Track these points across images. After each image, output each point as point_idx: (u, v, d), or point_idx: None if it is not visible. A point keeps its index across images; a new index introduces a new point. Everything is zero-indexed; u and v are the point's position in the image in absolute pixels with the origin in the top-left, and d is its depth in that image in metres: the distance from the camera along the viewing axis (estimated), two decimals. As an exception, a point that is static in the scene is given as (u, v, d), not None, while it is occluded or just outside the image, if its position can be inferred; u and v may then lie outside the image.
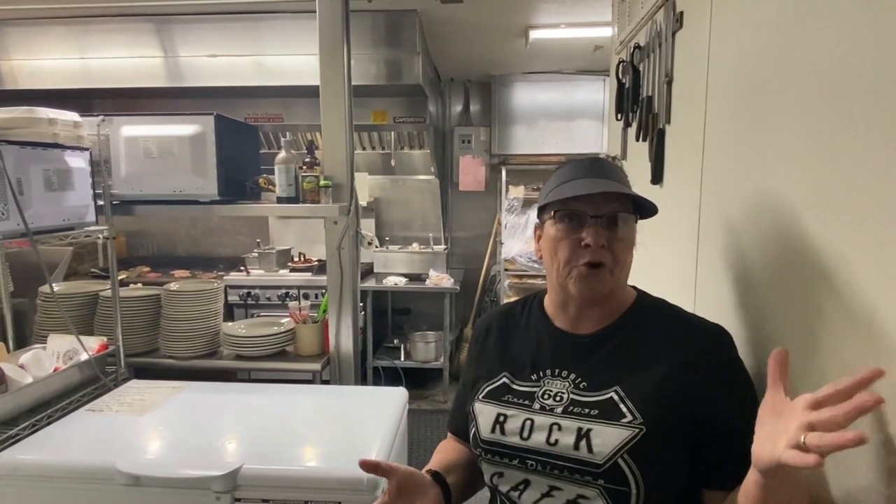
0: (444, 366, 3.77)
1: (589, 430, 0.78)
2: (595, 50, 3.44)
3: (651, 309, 0.91)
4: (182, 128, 1.88)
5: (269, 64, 2.95)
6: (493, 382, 0.92)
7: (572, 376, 0.86)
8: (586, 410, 0.81)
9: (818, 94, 0.72)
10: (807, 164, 0.75)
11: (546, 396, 0.85)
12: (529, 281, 3.84)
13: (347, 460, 1.30)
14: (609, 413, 0.79)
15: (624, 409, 0.78)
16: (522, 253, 3.72)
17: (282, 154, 1.96)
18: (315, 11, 1.96)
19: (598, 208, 0.83)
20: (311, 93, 2.08)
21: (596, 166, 0.88)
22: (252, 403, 1.65)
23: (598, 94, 4.01)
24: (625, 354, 0.85)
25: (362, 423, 1.51)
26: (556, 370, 0.88)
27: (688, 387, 0.78)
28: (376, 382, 3.74)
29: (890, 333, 0.59)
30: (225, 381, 1.85)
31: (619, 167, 0.93)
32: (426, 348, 3.80)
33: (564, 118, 4.05)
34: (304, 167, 1.98)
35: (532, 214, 3.87)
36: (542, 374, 0.88)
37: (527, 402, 0.86)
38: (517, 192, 3.82)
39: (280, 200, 1.97)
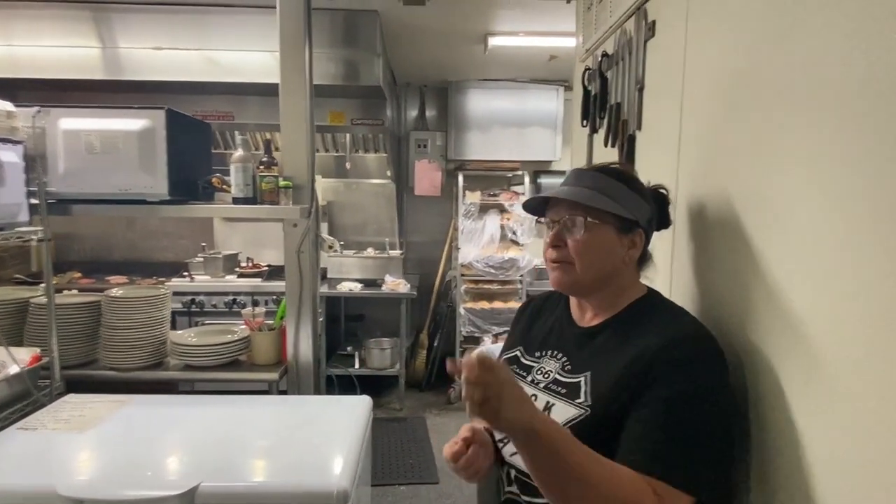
0: (399, 373, 3.71)
1: (552, 405, 0.92)
2: (550, 59, 3.51)
3: (649, 307, 0.96)
4: (129, 122, 1.76)
5: (219, 59, 2.82)
6: (509, 353, 1.09)
7: (564, 359, 0.98)
8: (559, 389, 0.94)
9: (795, 104, 0.76)
10: (780, 175, 0.80)
11: (539, 372, 1.00)
12: (485, 286, 3.85)
13: (315, 474, 1.24)
14: (572, 394, 0.91)
15: (582, 392, 0.90)
16: (479, 258, 3.72)
17: (238, 152, 1.86)
18: (270, 6, 1.88)
19: (559, 214, 0.97)
20: (263, 91, 2.01)
21: (573, 176, 1.00)
22: (206, 416, 1.54)
23: (552, 102, 4.09)
24: (608, 347, 0.94)
25: (327, 434, 1.45)
26: (555, 352, 1.01)
27: (638, 380, 0.84)
28: (329, 391, 3.63)
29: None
30: (173, 394, 1.73)
31: (609, 174, 0.98)
32: (381, 355, 3.73)
33: (518, 125, 4.11)
34: (262, 167, 1.90)
35: (488, 220, 3.90)
36: (543, 354, 1.03)
37: (524, 374, 1.02)
38: (474, 197, 3.83)
39: (236, 201, 1.87)
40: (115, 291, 1.96)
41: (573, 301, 1.05)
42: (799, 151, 0.75)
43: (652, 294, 1.00)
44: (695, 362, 0.84)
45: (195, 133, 2.05)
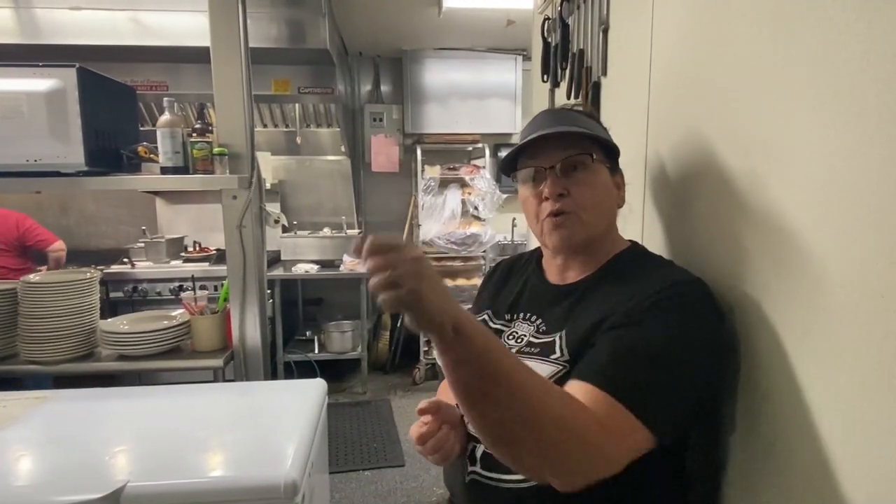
0: (362, 356, 3.58)
1: None
2: (507, 25, 3.38)
3: (632, 260, 0.87)
4: (35, 82, 1.54)
5: (148, 21, 2.56)
6: (476, 317, 0.94)
7: (538, 321, 0.88)
8: (532, 349, 0.84)
9: (791, 30, 0.66)
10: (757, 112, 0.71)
11: (511, 337, 0.90)
12: (448, 263, 3.74)
13: (260, 466, 1.11)
14: (546, 351, 0.81)
15: (557, 347, 0.80)
16: (441, 235, 3.60)
17: (165, 116, 1.67)
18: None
19: (550, 159, 0.83)
20: (200, 57, 1.80)
21: (550, 117, 0.89)
22: (139, 409, 1.39)
23: (510, 73, 3.97)
24: (588, 303, 0.84)
25: (276, 421, 1.32)
26: (528, 314, 0.90)
27: (620, 317, 0.75)
28: (289, 378, 3.48)
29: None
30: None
31: (581, 113, 0.90)
32: (342, 338, 3.58)
33: (476, 97, 3.97)
34: (195, 134, 1.71)
35: (449, 195, 3.78)
36: (515, 317, 0.92)
37: None
38: (433, 171, 3.69)
39: (165, 171, 1.68)
40: (33, 277, 1.75)
41: (552, 260, 0.92)
42: (796, 83, 0.65)
43: (636, 246, 0.91)
44: (688, 303, 0.75)
45: (117, 97, 1.84)
